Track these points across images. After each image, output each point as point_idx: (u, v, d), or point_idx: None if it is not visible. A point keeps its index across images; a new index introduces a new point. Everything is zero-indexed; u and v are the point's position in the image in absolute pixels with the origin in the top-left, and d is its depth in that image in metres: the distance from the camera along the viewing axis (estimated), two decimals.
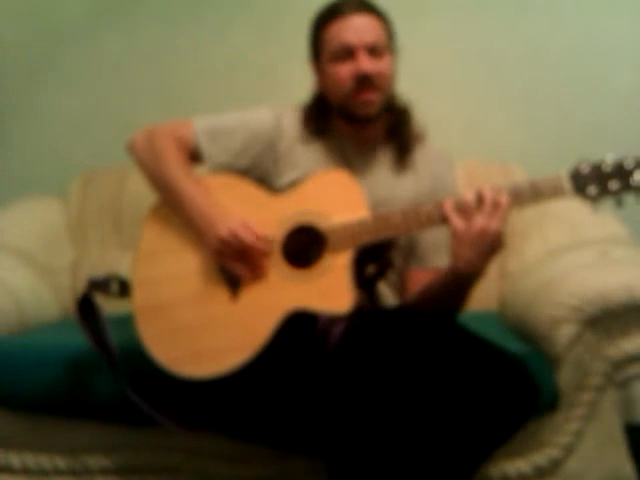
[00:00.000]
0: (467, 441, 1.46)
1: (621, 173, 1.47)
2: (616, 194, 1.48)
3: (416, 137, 1.77)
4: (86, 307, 1.70)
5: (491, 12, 2.49)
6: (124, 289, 1.72)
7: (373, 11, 1.69)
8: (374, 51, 1.66)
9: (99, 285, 1.71)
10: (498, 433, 1.50)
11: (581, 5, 2.48)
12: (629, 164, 1.47)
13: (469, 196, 1.51)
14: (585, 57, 2.48)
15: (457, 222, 1.51)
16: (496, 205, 1.50)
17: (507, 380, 1.49)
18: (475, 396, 1.46)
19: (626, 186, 1.47)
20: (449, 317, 1.65)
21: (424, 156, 1.78)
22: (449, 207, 1.53)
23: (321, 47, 1.71)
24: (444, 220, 1.53)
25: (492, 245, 1.52)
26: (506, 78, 2.51)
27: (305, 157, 1.73)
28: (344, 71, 1.66)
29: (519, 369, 1.53)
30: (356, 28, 1.66)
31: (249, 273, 1.61)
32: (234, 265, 1.62)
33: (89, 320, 1.70)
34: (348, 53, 1.66)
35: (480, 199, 1.51)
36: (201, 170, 1.76)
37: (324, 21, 1.70)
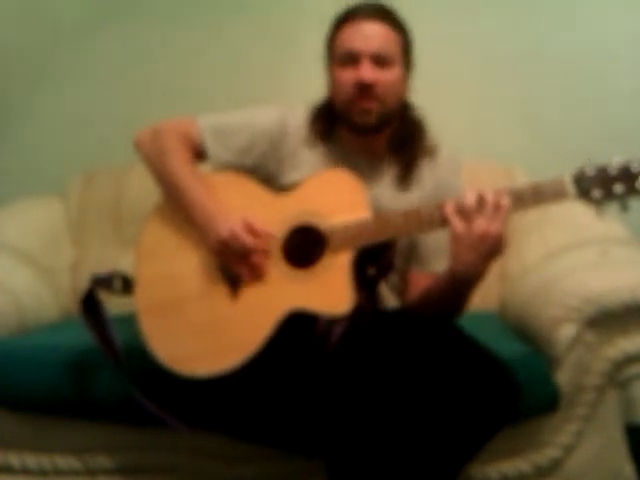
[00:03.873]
0: (451, 441, 1.45)
1: (627, 176, 1.44)
2: (621, 198, 1.45)
3: (426, 151, 1.74)
4: (90, 304, 1.71)
5: (492, 12, 2.48)
6: (127, 286, 1.72)
7: (389, 20, 1.66)
8: (380, 60, 1.63)
9: (102, 282, 1.72)
10: (474, 436, 1.48)
11: (583, 4, 2.47)
12: (635, 167, 1.44)
13: (470, 198, 1.50)
14: (588, 57, 2.47)
15: (457, 224, 1.50)
16: (497, 208, 1.48)
17: (487, 383, 1.47)
18: (456, 398, 1.45)
19: (631, 190, 1.44)
20: (446, 320, 1.64)
21: (432, 171, 1.74)
22: (450, 209, 1.51)
23: (332, 50, 1.69)
24: (445, 222, 1.52)
25: (492, 248, 1.50)
26: (508, 78, 2.50)
27: (309, 160, 1.72)
28: (347, 76, 1.64)
29: (501, 372, 1.50)
30: (364, 35, 1.64)
31: (249, 273, 1.61)
32: (235, 265, 1.62)
33: (93, 317, 1.70)
34: (353, 59, 1.64)
35: (481, 202, 1.49)
36: (205, 168, 1.76)
37: (338, 24, 1.69)
